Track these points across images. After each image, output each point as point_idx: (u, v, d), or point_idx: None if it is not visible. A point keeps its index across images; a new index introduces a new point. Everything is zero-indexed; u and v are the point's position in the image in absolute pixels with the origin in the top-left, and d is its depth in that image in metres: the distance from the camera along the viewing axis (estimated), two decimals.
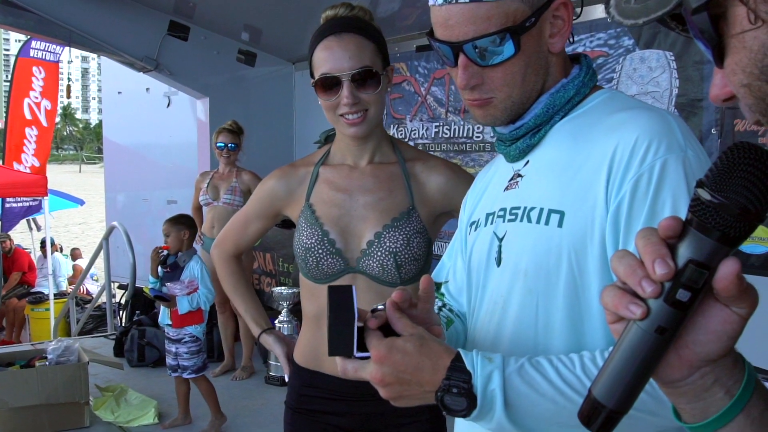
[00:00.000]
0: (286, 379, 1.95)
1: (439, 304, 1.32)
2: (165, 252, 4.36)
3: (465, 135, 5.15)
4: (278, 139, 7.20)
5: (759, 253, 3.55)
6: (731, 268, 0.58)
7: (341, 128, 1.78)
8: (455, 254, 1.39)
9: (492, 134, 5.11)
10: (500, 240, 1.17)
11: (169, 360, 4.39)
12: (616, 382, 0.63)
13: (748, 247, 3.46)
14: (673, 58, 3.77)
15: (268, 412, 4.74)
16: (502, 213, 1.19)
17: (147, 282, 7.17)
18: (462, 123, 5.15)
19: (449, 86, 5.23)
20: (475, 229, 1.27)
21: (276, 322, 5.36)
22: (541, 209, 1.10)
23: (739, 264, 0.59)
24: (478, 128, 5.04)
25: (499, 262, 1.17)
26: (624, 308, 0.61)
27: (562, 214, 1.07)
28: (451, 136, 5.22)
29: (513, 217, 1.15)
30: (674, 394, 0.64)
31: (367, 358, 0.98)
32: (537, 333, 1.10)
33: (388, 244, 1.74)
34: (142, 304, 6.40)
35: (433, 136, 5.33)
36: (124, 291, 6.90)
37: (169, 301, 4.22)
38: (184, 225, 4.46)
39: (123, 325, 6.43)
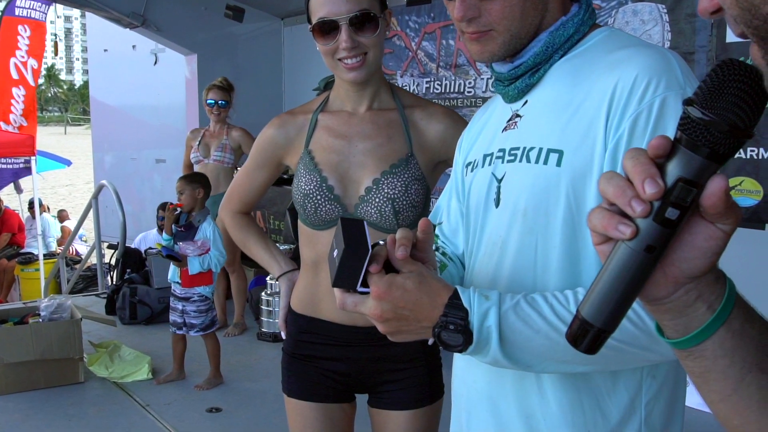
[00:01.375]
0: (283, 336, 1.97)
1: (433, 247, 1.33)
2: (178, 210, 4.35)
3: (456, 90, 5.12)
4: (268, 96, 7.14)
5: (748, 206, 3.58)
6: (720, 184, 0.59)
7: (340, 73, 1.77)
8: (450, 196, 1.39)
9: (484, 89, 5.12)
10: (499, 181, 1.17)
11: (174, 317, 4.38)
12: (604, 301, 0.64)
13: (737, 199, 3.49)
14: (665, 11, 3.75)
15: (260, 367, 4.77)
16: (500, 154, 1.18)
17: (138, 242, 7.18)
18: (453, 78, 5.12)
19: (440, 41, 5.19)
20: (472, 170, 1.27)
21: (268, 279, 5.38)
22: (540, 149, 1.10)
23: (727, 180, 0.60)
24: (470, 83, 5.02)
25: (497, 202, 1.17)
26: (613, 229, 0.62)
27: (560, 153, 1.07)
28: (443, 91, 5.19)
29: (512, 157, 1.15)
30: (658, 311, 0.65)
31: (368, 293, 0.99)
32: (535, 272, 1.11)
33: (386, 191, 1.75)
34: (133, 262, 6.39)
35: (423, 91, 5.30)
36: (113, 251, 6.88)
37: (181, 261, 4.21)
38: (199, 183, 4.44)
39: (114, 283, 6.42)
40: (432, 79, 5.28)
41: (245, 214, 2.07)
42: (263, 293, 5.33)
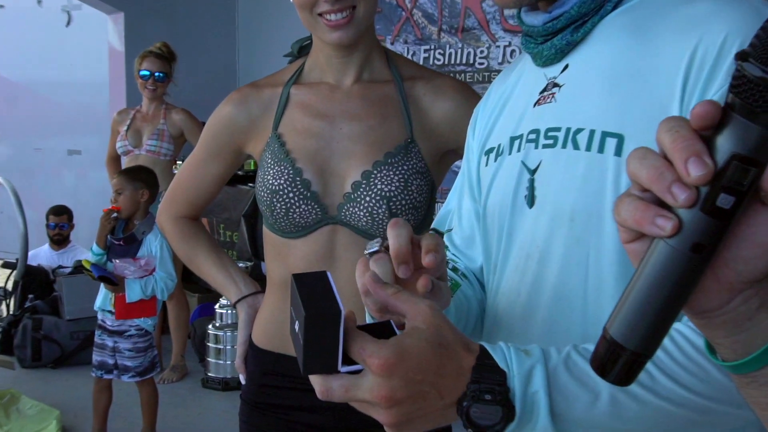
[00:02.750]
0: (242, 380, 1.97)
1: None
2: (115, 214, 4.35)
3: (463, 61, 5.15)
4: (216, 71, 7.15)
5: None
6: None
7: (320, 33, 1.77)
8: (461, 194, 1.39)
9: (500, 60, 5.15)
10: (532, 172, 1.17)
11: (100, 356, 4.35)
12: (639, 316, 0.64)
13: None
14: None
15: (206, 424, 4.76)
16: (533, 136, 1.18)
17: (43, 258, 7.14)
18: (460, 46, 5.15)
19: None
20: (494, 159, 1.26)
21: (217, 307, 5.38)
22: (592, 132, 1.09)
23: None
24: (481, 52, 5.05)
25: (531, 201, 1.17)
26: (649, 223, 0.61)
27: (620, 138, 1.06)
28: (446, 62, 5.22)
29: (550, 141, 1.14)
30: (710, 326, 0.65)
31: (358, 371, 0.89)
32: (586, 296, 1.09)
33: (379, 187, 1.76)
34: (37, 285, 6.36)
35: (421, 62, 5.32)
36: (10, 270, 6.84)
37: (117, 284, 4.20)
38: (143, 182, 4.43)
39: (11, 313, 6.38)
40: (432, 47, 5.30)
41: (192, 219, 2.07)
42: (210, 326, 5.34)
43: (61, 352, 5.68)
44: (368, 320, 1.07)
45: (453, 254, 1.36)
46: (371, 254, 0.99)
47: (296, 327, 0.89)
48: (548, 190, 1.14)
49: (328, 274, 0.91)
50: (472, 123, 1.39)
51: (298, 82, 1.89)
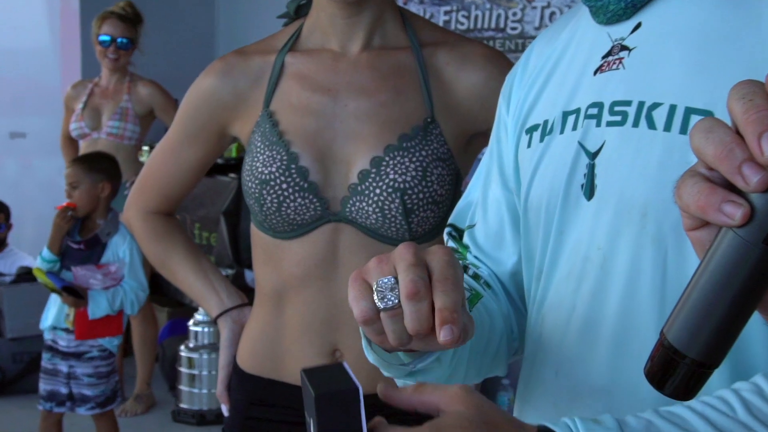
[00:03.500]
0: (225, 411, 1.98)
1: (462, 264, 1.32)
2: (70, 212, 4.36)
3: (492, 25, 5.15)
4: (192, 36, 7.16)
5: None
6: None
7: None
8: (487, 181, 1.38)
9: (537, 25, 5.14)
10: (592, 156, 1.16)
11: (50, 384, 4.34)
12: (702, 319, 0.65)
13: None
14: None
15: None
16: (595, 111, 1.16)
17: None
18: (488, 7, 5.15)
19: None
20: (540, 139, 1.25)
21: (190, 324, 5.39)
22: (672, 107, 1.08)
23: None
24: (514, 14, 5.04)
25: (590, 192, 1.15)
26: (715, 210, 0.62)
27: (709, 116, 1.06)
28: (471, 27, 5.22)
29: (617, 118, 1.13)
30: None
31: None
32: (664, 309, 1.07)
33: (392, 177, 1.76)
34: None
35: (442, 25, 5.32)
36: None
37: (83, 297, 4.20)
38: (104, 173, 4.44)
39: None
40: (454, 8, 5.30)
41: (165, 215, 2.08)
42: (182, 347, 5.35)
43: (1, 378, 5.69)
44: (365, 347, 1.17)
45: (475, 257, 1.36)
46: (387, 310, 0.98)
47: (311, 427, 0.92)
48: (613, 178, 1.13)
49: (345, 364, 0.95)
50: (506, 94, 1.38)
51: (295, 49, 1.89)
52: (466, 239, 1.37)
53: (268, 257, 1.87)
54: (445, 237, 1.42)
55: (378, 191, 1.76)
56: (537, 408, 1.24)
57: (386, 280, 0.97)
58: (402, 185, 1.76)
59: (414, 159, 1.77)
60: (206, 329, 5.30)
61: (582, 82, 1.21)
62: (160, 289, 5.98)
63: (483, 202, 1.38)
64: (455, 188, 1.82)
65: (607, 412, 0.97)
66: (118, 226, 4.37)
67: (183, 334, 5.59)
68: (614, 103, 1.14)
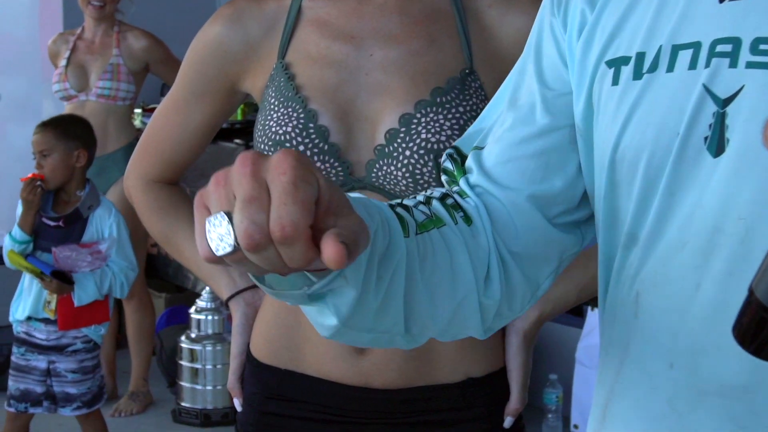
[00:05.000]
0: (237, 406, 1.99)
1: (439, 192, 1.29)
2: (39, 184, 4.31)
3: None
4: None
5: None
6: None
7: None
8: (512, 104, 1.33)
9: None
10: (723, 104, 1.11)
11: (22, 383, 4.34)
12: None
13: None
14: None
15: None
16: (728, 48, 1.11)
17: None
18: None
19: None
20: (634, 75, 1.19)
21: (192, 311, 5.40)
22: None
23: None
24: None
25: (718, 147, 1.11)
26: None
27: None
28: None
29: (764, 58, 1.08)
30: None
31: None
32: None
33: (424, 136, 1.77)
34: None
35: None
36: None
37: (70, 281, 4.21)
38: (78, 139, 4.41)
39: None
40: None
41: (171, 185, 2.09)
42: (183, 338, 5.35)
43: None
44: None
45: (473, 184, 1.31)
46: (225, 256, 0.93)
47: None
48: (754, 131, 1.07)
49: None
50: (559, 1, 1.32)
51: None
52: (469, 163, 1.33)
53: None
54: (443, 158, 1.38)
55: (408, 153, 1.77)
56: (641, 407, 1.20)
57: (217, 221, 0.91)
58: (436, 146, 1.76)
59: (449, 116, 1.78)
60: (210, 317, 5.27)
61: (698, 9, 1.15)
62: (156, 272, 6.00)
63: (500, 120, 1.35)
64: None
65: (748, 415, 0.99)
66: (99, 199, 4.38)
67: (183, 322, 5.59)
68: (758, 40, 1.08)
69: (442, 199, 1.26)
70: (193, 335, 5.33)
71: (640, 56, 1.18)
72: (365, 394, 1.86)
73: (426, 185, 1.76)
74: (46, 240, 4.27)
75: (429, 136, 1.76)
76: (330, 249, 0.90)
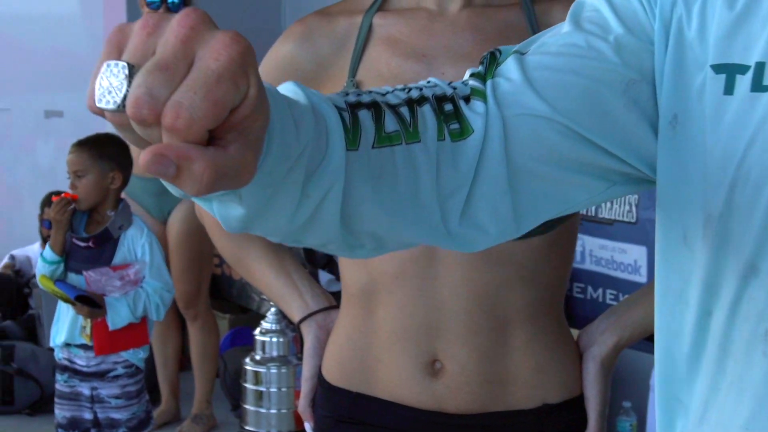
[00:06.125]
0: (308, 431, 2.00)
1: (443, 91, 1.14)
2: (72, 204, 4.30)
3: None
4: None
5: None
6: None
7: None
8: (574, 21, 1.21)
9: None
10: None
11: (69, 411, 4.35)
12: None
13: None
14: None
15: None
16: None
17: (19, 262, 7.28)
18: None
19: None
20: (753, 86, 1.11)
21: (257, 333, 5.40)
22: None
23: None
24: None
25: None
26: None
27: None
28: None
29: None
30: None
31: None
32: None
33: None
34: (5, 300, 6.50)
35: None
36: None
37: (99, 305, 4.18)
38: (113, 160, 4.36)
39: None
40: None
41: None
42: (248, 360, 5.35)
43: (40, 393, 5.76)
44: None
45: (502, 86, 1.16)
46: (105, 110, 0.82)
47: None
48: None
49: None
50: None
51: (384, 9, 1.90)
52: (505, 65, 1.19)
53: None
54: (467, 73, 1.21)
55: None
56: None
57: (117, 70, 0.80)
58: None
59: None
60: (275, 339, 5.26)
61: None
62: (220, 293, 6.02)
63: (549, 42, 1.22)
64: None
65: None
66: (131, 219, 4.34)
67: (248, 344, 5.58)
68: None
69: (441, 101, 1.13)
70: (257, 357, 5.31)
71: (760, 66, 1.11)
72: (438, 418, 1.86)
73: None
74: (78, 261, 4.26)
75: None
76: (193, 171, 0.79)
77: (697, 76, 1.13)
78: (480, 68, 1.18)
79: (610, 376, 1.90)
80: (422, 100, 1.11)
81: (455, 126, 1.12)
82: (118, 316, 4.19)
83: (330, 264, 5.71)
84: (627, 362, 4.96)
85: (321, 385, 1.97)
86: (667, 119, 1.15)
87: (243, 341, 5.82)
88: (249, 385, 5.31)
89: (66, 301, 4.21)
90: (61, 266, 4.25)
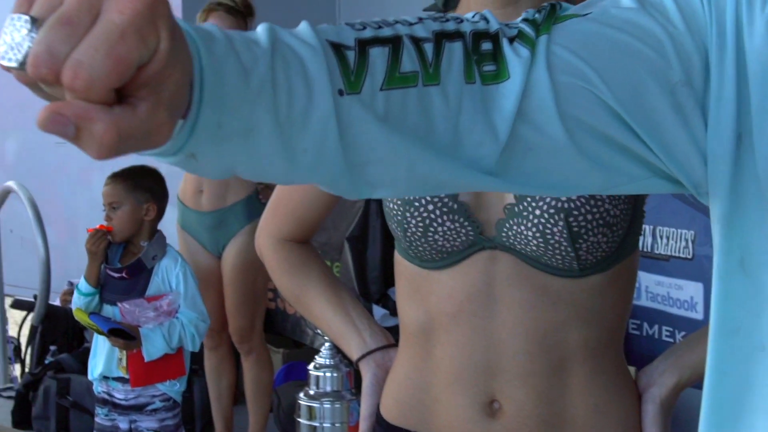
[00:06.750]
0: None
1: (485, 28, 1.05)
2: (108, 237, 4.35)
3: None
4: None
5: None
6: None
7: None
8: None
9: None
10: None
11: None
12: None
13: None
14: None
15: None
16: None
17: (73, 296, 7.32)
18: None
19: None
20: None
21: (311, 367, 5.40)
22: None
23: None
24: None
25: None
26: None
27: None
28: None
29: None
30: None
31: None
32: None
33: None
34: (62, 332, 6.53)
35: None
36: (27, 311, 7.06)
37: (133, 337, 4.20)
38: (149, 191, 4.42)
39: (28, 371, 6.58)
40: None
41: (301, 243, 2.13)
42: (302, 394, 5.32)
43: (92, 425, 5.79)
44: None
45: (560, 41, 1.06)
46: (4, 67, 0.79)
47: None
48: None
49: None
50: None
51: None
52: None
53: (414, 290, 1.89)
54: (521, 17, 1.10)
55: (538, 212, 1.77)
56: None
57: (20, 24, 0.75)
58: (566, 205, 1.76)
59: None
60: (329, 374, 5.27)
61: None
62: (274, 327, 6.02)
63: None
64: (633, 208, 1.82)
65: None
66: (165, 249, 4.36)
67: (302, 379, 5.59)
68: None
69: (479, 38, 1.03)
70: (311, 392, 5.28)
71: None
72: None
73: (557, 245, 1.76)
74: (112, 292, 4.30)
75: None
76: (93, 133, 0.74)
77: (760, 92, 1.07)
78: (537, 15, 1.07)
79: (669, 417, 1.90)
80: (455, 35, 1.02)
81: (490, 67, 1.03)
82: (153, 347, 4.21)
83: (384, 298, 5.71)
84: (684, 400, 4.93)
85: (379, 423, 1.98)
86: (731, 140, 1.07)
87: (297, 376, 5.83)
88: (303, 420, 5.28)
89: (100, 333, 4.24)
90: (96, 298, 4.30)
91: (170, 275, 4.32)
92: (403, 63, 0.96)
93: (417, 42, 0.98)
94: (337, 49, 0.93)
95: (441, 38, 0.99)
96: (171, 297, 4.26)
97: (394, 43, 0.97)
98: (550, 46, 1.04)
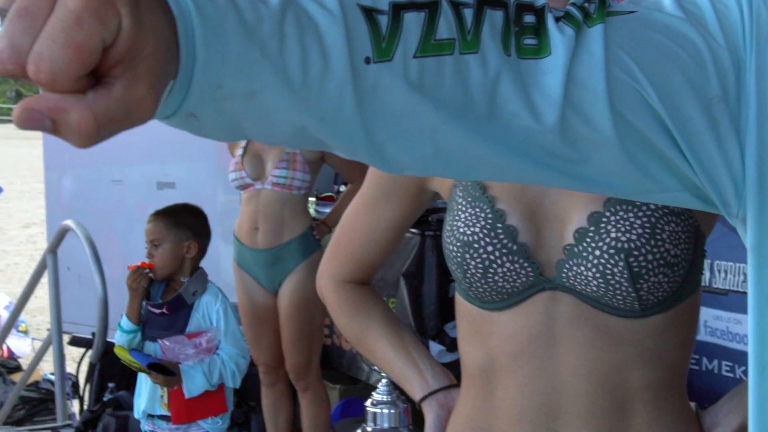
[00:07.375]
0: None
1: (531, 1, 1.02)
2: (149, 274, 4.40)
3: None
4: None
5: None
6: None
7: None
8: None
9: None
10: None
11: None
12: None
13: None
14: None
15: None
16: None
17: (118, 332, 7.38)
18: None
19: None
20: None
21: (368, 404, 5.41)
22: None
23: None
24: None
25: None
26: None
27: None
28: None
29: None
30: None
31: None
32: None
33: (614, 236, 1.77)
34: (120, 370, 6.57)
35: None
36: (85, 348, 7.10)
37: (173, 374, 4.24)
38: (189, 228, 4.46)
39: (87, 408, 6.62)
40: None
41: (362, 284, 2.15)
42: (358, 431, 5.34)
43: None
44: None
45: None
46: None
47: None
48: None
49: None
50: None
51: None
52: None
53: (475, 331, 1.90)
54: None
55: (598, 253, 1.76)
56: None
57: None
58: (627, 245, 1.75)
59: (640, 214, 1.77)
60: (386, 410, 5.26)
61: None
62: (330, 363, 6.03)
63: None
64: (694, 247, 1.81)
65: None
66: (206, 285, 4.38)
67: (358, 415, 5.59)
68: None
69: (523, 9, 0.98)
70: (368, 428, 5.27)
71: None
72: None
73: (617, 285, 1.75)
74: (153, 329, 4.34)
75: (619, 235, 1.76)
76: (70, 123, 0.72)
77: None
78: (587, 4, 1.01)
79: None
80: (499, 2, 0.96)
81: (531, 41, 0.97)
82: (194, 384, 4.24)
83: (440, 334, 5.70)
84: None
85: None
86: (757, 167, 1.03)
87: (354, 412, 5.82)
88: None
89: (141, 370, 4.27)
90: (138, 335, 4.35)
91: (211, 311, 4.35)
92: (440, 29, 0.91)
93: (457, 6, 0.93)
94: (369, 13, 0.88)
95: (483, 4, 0.95)
96: (210, 334, 4.28)
97: (431, 8, 0.91)
98: (607, 36, 0.99)
